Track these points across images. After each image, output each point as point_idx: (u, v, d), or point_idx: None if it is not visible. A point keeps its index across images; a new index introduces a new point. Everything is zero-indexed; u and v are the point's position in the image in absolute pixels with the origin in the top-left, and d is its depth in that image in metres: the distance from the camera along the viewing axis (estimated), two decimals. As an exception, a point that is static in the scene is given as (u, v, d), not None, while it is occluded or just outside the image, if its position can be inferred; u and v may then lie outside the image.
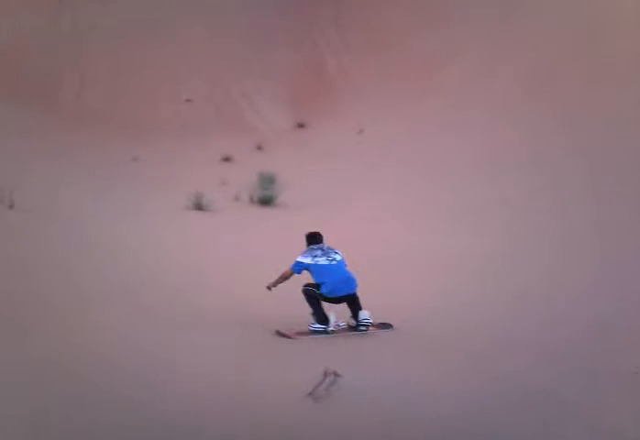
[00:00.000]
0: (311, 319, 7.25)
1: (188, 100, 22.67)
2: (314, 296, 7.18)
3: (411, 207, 14.63)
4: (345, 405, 5.36)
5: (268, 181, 15.87)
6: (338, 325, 7.23)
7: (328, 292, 7.10)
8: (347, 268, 7.44)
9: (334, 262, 7.18)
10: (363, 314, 7.12)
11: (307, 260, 7.22)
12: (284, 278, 7.32)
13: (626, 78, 17.94)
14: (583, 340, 7.21)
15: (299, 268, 7.28)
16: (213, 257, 10.96)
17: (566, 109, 17.98)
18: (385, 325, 7.29)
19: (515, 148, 17.09)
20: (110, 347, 6.58)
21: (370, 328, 7.18)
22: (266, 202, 15.27)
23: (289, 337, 6.99)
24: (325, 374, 5.40)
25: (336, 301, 7.18)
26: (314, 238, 7.47)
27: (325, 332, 7.12)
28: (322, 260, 7.18)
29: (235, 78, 23.60)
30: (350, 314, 7.33)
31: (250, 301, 8.41)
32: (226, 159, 19.11)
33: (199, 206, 14.42)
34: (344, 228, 13.30)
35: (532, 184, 15.21)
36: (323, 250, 7.30)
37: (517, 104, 18.93)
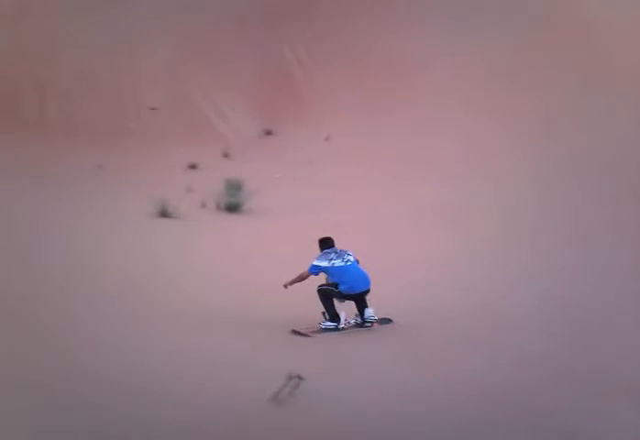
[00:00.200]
0: (323, 317, 7.77)
1: (153, 108, 22.43)
2: (329, 296, 7.77)
3: (379, 213, 14.70)
4: (309, 409, 5.31)
5: (235, 188, 15.78)
6: (348, 323, 7.80)
7: (347, 290, 7.74)
8: (361, 266, 8.04)
9: (349, 263, 7.83)
10: (369, 312, 7.76)
11: (324, 263, 7.83)
12: (301, 278, 7.90)
13: (604, 78, 18.36)
14: (551, 340, 7.30)
15: (316, 270, 7.89)
16: (179, 264, 10.81)
17: (539, 111, 18.33)
18: (386, 320, 7.86)
19: (484, 150, 17.34)
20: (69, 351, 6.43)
21: (375, 324, 7.80)
22: (233, 209, 15.18)
23: (306, 336, 7.48)
24: (289, 378, 5.35)
25: (354, 297, 7.80)
26: (326, 243, 8.08)
27: (337, 329, 7.69)
28: (338, 262, 7.82)
29: (200, 86, 23.44)
30: (356, 312, 7.89)
31: (217, 306, 8.33)
32: (193, 167, 18.94)
33: (165, 214, 14.25)
34: (312, 235, 13.29)
35: (502, 185, 15.46)
36: (337, 253, 7.92)
37: (485, 107, 19.23)
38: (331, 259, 7.84)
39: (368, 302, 7.91)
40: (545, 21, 20.57)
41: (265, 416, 5.21)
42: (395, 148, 18.88)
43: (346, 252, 7.96)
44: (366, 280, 7.83)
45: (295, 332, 7.59)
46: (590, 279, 9.55)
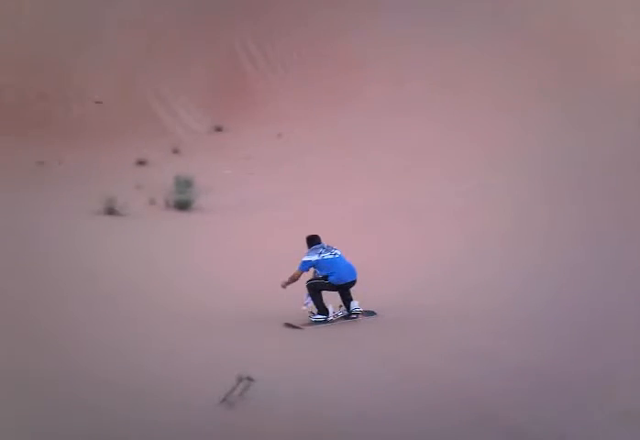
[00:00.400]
0: (312, 311, 8.13)
1: (98, 102, 21.77)
2: (318, 288, 8.17)
3: (329, 210, 14.62)
4: (260, 409, 5.16)
5: (184, 184, 15.43)
6: (337, 315, 8.18)
7: (337, 280, 8.17)
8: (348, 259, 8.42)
9: (337, 255, 8.29)
10: (354, 304, 8.18)
11: (314, 258, 8.23)
12: (293, 279, 8.19)
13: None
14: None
15: (306, 266, 8.23)
16: (126, 262, 10.43)
17: (484, 110, 18.62)
18: (370, 313, 8.24)
19: (435, 147, 17.52)
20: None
21: (360, 316, 8.17)
22: (183, 206, 14.82)
23: (299, 328, 7.81)
24: (239, 379, 5.18)
25: (342, 287, 8.24)
26: (314, 240, 8.45)
27: (326, 321, 8.07)
28: (327, 255, 8.25)
29: (149, 81, 22.92)
30: (341, 304, 8.25)
31: (167, 304, 8.08)
32: (141, 163, 18.45)
33: (112, 211, 13.79)
34: (263, 232, 13.14)
35: (454, 187, 15.62)
36: (324, 248, 8.35)
37: (433, 106, 19.45)
38: (320, 253, 8.25)
39: (352, 294, 8.25)
40: (493, 21, 20.92)
41: (213, 418, 5.03)
42: (348, 144, 18.86)
43: (332, 247, 8.39)
44: (353, 271, 8.28)
45: (288, 325, 7.86)
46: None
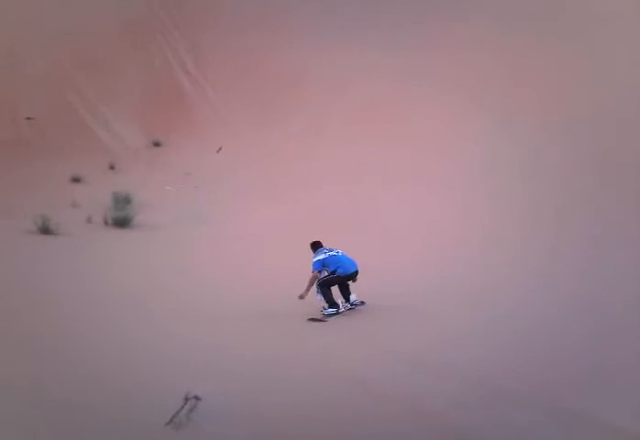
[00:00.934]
0: (324, 306, 9.29)
1: (29, 118, 21.06)
2: (329, 284, 9.44)
3: (272, 224, 14.62)
4: (209, 430, 5.07)
5: (123, 201, 15.10)
6: (346, 307, 9.38)
7: (343, 272, 9.50)
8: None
9: (339, 253, 9.69)
10: (353, 297, 9.54)
11: (322, 256, 9.57)
12: (312, 282, 9.37)
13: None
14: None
15: (319, 265, 9.50)
16: (60, 283, 10.08)
17: (433, 120, 18.99)
18: (362, 303, 9.55)
19: (375, 159, 17.78)
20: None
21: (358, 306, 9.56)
22: (122, 223, 14.46)
23: (322, 321, 8.98)
24: (186, 399, 5.08)
25: (348, 278, 9.56)
26: (317, 244, 9.93)
27: (337, 313, 9.25)
28: (332, 253, 9.65)
29: (82, 96, 22.38)
30: (341, 299, 9.47)
31: (106, 324, 7.85)
32: (76, 180, 17.91)
33: (46, 230, 13.31)
34: (206, 248, 13.01)
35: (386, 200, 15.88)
36: (327, 249, 9.75)
37: (373, 119, 19.76)
38: (326, 252, 9.62)
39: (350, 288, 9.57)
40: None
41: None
42: (286, 158, 18.93)
43: (332, 248, 9.76)
44: (354, 263, 9.59)
45: (312, 319, 9.00)
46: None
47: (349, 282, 9.64)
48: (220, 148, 20.28)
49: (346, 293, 9.63)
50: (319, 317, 9.06)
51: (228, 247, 12.91)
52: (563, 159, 16.54)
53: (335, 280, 9.51)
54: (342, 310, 9.26)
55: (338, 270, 9.47)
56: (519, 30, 21.63)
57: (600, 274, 9.90)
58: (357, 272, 9.57)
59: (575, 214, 13.48)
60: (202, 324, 8.32)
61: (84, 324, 8.25)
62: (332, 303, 9.36)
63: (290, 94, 21.67)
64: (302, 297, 9.17)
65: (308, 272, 9.38)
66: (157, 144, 21.11)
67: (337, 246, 9.85)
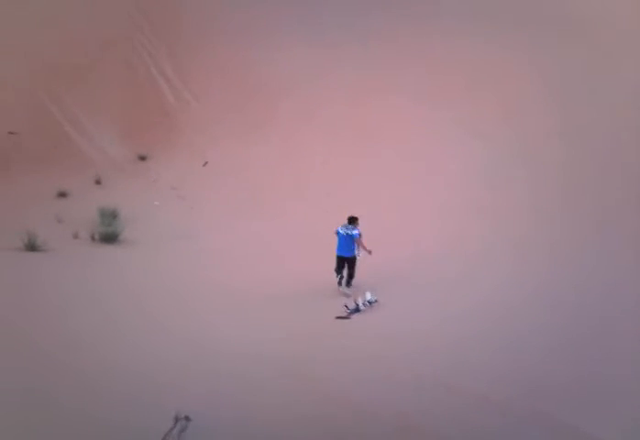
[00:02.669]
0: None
1: (11, 132, 20.90)
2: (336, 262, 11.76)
3: (261, 238, 14.69)
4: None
5: (109, 216, 15.09)
6: (365, 305, 10.33)
7: (337, 252, 11.64)
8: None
9: (347, 234, 11.54)
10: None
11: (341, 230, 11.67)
12: (364, 246, 11.52)
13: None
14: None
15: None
16: (49, 300, 10.04)
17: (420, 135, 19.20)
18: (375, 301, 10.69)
19: (362, 170, 17.96)
20: None
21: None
22: (109, 239, 14.43)
23: (348, 318, 9.96)
24: (176, 419, 5.08)
25: (341, 259, 11.58)
26: (352, 220, 11.70)
27: (358, 310, 10.18)
28: (342, 232, 11.65)
29: (65, 110, 22.28)
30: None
31: (95, 341, 7.84)
32: (62, 195, 17.80)
33: (32, 247, 13.25)
34: (195, 261, 13.04)
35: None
36: (349, 227, 11.61)
37: (360, 131, 19.91)
38: (342, 230, 11.63)
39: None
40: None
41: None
42: (275, 170, 19.01)
43: (350, 227, 11.57)
44: (347, 250, 11.46)
45: (339, 317, 9.95)
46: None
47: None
48: (206, 163, 20.29)
49: (347, 277, 11.40)
50: (344, 315, 9.95)
51: (214, 262, 12.93)
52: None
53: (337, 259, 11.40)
54: (362, 308, 10.15)
55: (336, 250, 11.40)
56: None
57: (598, 284, 10.10)
58: (345, 258, 11.28)
59: (574, 227, 13.69)
60: (187, 346, 8.34)
61: (72, 342, 8.25)
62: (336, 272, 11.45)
63: (275, 107, 21.76)
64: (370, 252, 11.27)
65: (294, 284, 9.49)
66: (142, 158, 21.04)
67: (322, 259, 10.18)
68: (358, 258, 11.51)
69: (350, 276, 11.50)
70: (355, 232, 11.45)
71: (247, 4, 24.65)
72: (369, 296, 10.36)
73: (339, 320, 9.95)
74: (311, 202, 16.75)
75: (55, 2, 23.30)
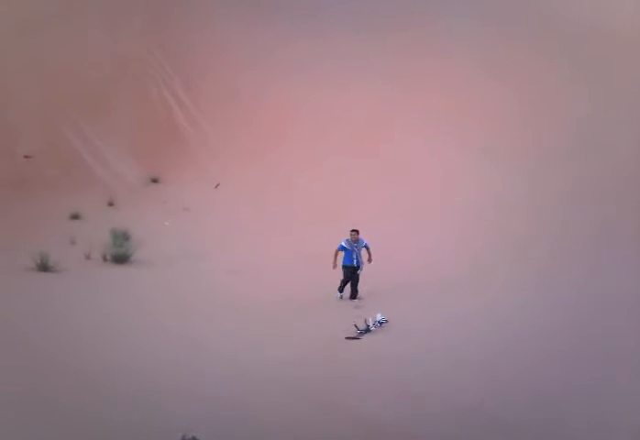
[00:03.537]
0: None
1: (27, 156, 21.21)
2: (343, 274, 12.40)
3: (270, 260, 14.69)
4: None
5: (121, 238, 15.14)
6: (376, 325, 10.17)
7: (343, 263, 12.38)
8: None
9: (352, 248, 12.37)
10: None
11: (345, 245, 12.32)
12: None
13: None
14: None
15: (341, 247, 12.41)
16: (62, 320, 10.05)
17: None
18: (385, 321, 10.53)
19: (374, 190, 18.03)
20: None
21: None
22: (120, 260, 14.47)
23: (358, 339, 9.80)
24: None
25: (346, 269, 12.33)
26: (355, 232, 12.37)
27: (368, 330, 10.07)
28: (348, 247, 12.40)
29: (78, 132, 22.59)
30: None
31: (108, 361, 7.81)
32: (75, 217, 17.96)
33: (45, 268, 13.31)
34: (206, 283, 13.03)
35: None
36: (353, 243, 12.33)
37: (370, 150, 20.00)
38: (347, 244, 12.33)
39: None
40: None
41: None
42: (286, 192, 19.08)
43: (359, 242, 12.32)
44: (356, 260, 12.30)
45: (349, 338, 9.80)
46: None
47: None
48: (218, 185, 20.42)
49: (352, 290, 12.03)
50: (354, 335, 9.81)
51: (226, 283, 12.92)
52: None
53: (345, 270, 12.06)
54: (372, 328, 10.08)
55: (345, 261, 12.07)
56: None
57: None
58: (354, 267, 11.93)
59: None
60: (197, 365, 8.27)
61: (84, 362, 8.22)
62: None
63: (285, 128, 21.95)
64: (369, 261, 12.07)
65: (307, 305, 9.44)
66: (155, 180, 21.25)
67: (329, 280, 10.08)
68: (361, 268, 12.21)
69: (356, 290, 12.17)
70: (365, 242, 12.33)
71: (259, 30, 25.06)
72: (379, 317, 10.25)
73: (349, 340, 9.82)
74: (322, 220, 16.75)
75: (70, 28, 23.76)
